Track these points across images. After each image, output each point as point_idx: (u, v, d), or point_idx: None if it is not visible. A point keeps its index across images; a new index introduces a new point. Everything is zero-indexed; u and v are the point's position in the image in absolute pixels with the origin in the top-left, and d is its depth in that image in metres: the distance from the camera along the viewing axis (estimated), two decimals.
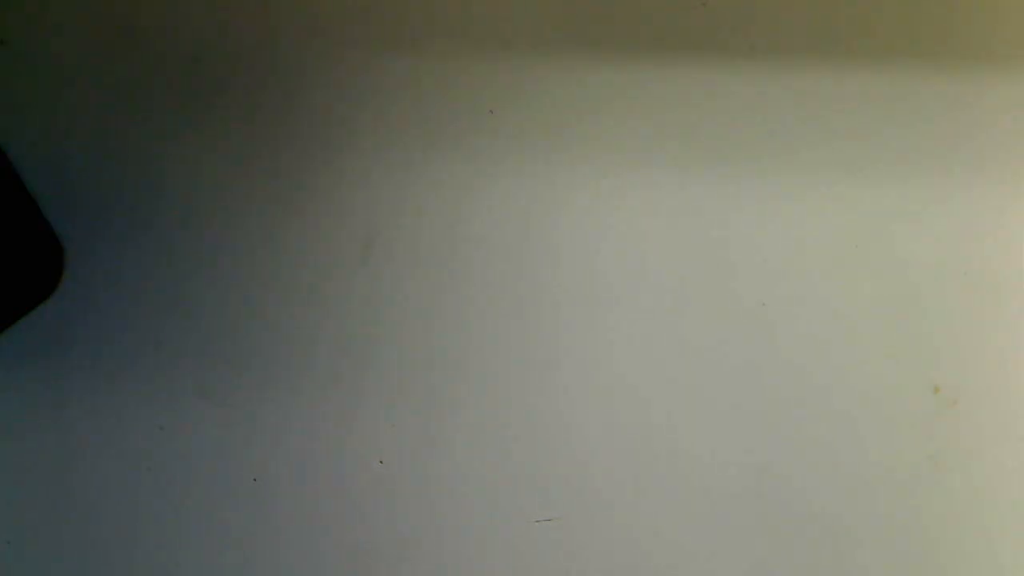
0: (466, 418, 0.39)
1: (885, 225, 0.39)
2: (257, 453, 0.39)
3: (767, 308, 0.39)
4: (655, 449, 0.39)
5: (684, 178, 0.40)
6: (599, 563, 0.39)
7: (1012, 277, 0.39)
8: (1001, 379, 0.39)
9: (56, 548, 0.39)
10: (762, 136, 0.40)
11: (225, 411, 0.39)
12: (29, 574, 0.39)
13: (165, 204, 0.40)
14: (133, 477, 0.39)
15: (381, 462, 0.39)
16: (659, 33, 0.40)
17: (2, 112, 0.40)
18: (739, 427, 0.39)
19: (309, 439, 0.39)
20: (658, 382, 0.39)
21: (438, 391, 0.39)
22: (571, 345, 0.39)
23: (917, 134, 0.39)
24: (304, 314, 0.39)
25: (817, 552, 0.39)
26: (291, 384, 0.39)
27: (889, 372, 0.39)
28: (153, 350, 0.40)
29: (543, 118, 0.40)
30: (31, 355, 0.40)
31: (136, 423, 0.39)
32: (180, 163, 0.40)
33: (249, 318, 0.39)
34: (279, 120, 0.40)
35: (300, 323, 0.39)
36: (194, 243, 0.40)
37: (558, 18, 0.40)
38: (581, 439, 0.39)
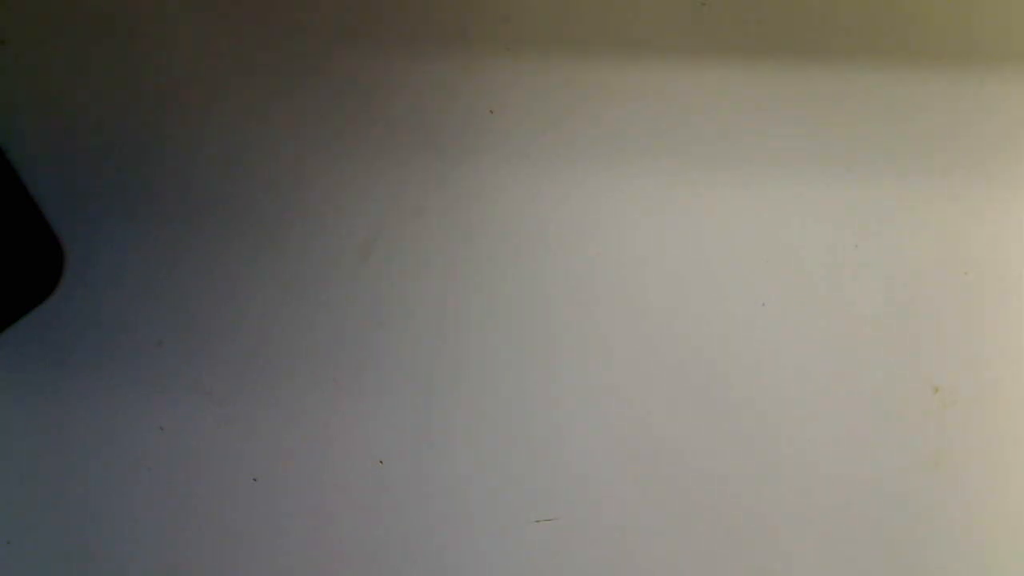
0: (466, 418, 0.39)
1: (885, 225, 0.39)
2: (257, 453, 0.39)
3: (767, 308, 0.39)
4: (654, 449, 0.39)
5: (684, 178, 0.40)
6: (599, 563, 0.39)
7: (1012, 277, 0.39)
8: (1001, 379, 0.39)
9: (56, 548, 0.39)
10: (762, 136, 0.40)
11: (225, 411, 0.39)
12: (29, 574, 0.39)
13: (165, 204, 0.40)
14: (133, 477, 0.39)
15: (381, 462, 0.39)
16: (659, 33, 0.40)
17: (2, 112, 0.40)
18: (739, 427, 0.39)
19: (309, 439, 0.39)
20: (658, 382, 0.39)
21: (438, 391, 0.39)
22: (571, 345, 0.39)
23: (917, 134, 0.39)
24: (304, 314, 0.39)
25: (816, 552, 0.39)
26: (291, 384, 0.39)
27: (889, 372, 0.39)
28: (153, 350, 0.40)
29: (543, 118, 0.40)
30: (31, 355, 0.40)
31: (136, 423, 0.39)
32: (180, 164, 0.40)
33: (249, 318, 0.39)
34: (279, 120, 0.40)
35: (300, 323, 0.39)
36: (194, 243, 0.40)
37: (558, 18, 0.40)
38: (581, 439, 0.39)
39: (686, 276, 0.39)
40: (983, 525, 0.39)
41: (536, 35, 0.40)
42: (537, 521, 0.39)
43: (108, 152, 0.40)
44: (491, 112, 0.40)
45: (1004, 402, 0.39)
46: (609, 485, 0.39)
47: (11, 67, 0.40)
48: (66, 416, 0.39)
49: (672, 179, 0.40)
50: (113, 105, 0.40)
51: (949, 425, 0.39)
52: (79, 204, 0.40)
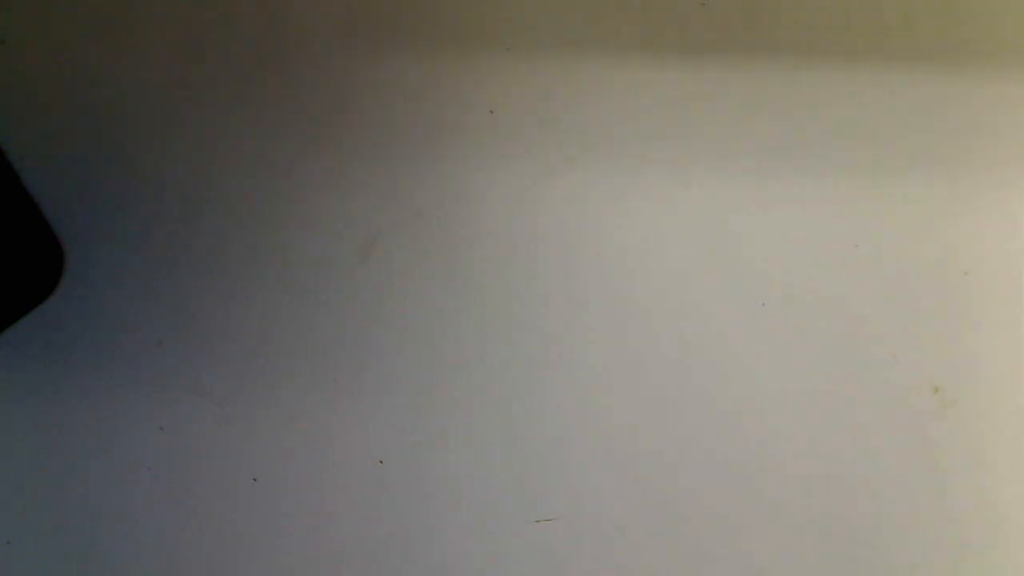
0: (465, 418, 0.39)
1: (885, 225, 0.39)
2: (257, 453, 0.39)
3: (767, 308, 0.39)
4: (654, 449, 0.39)
5: (684, 178, 0.40)
6: (599, 563, 0.39)
7: (1012, 277, 0.39)
8: (1001, 379, 0.39)
9: (56, 548, 0.39)
10: (762, 136, 0.40)
11: (225, 411, 0.39)
12: (29, 574, 0.39)
13: (165, 204, 0.40)
14: (133, 477, 0.39)
15: (381, 462, 0.39)
16: (659, 33, 0.40)
17: (2, 112, 0.40)
18: (739, 427, 0.39)
19: (309, 439, 0.39)
20: (658, 382, 0.39)
21: (438, 391, 0.39)
22: (571, 345, 0.39)
23: (917, 134, 0.39)
24: (304, 314, 0.39)
25: (817, 552, 0.39)
26: (291, 384, 0.39)
27: (889, 372, 0.39)
28: (153, 350, 0.40)
29: (543, 118, 0.40)
30: (31, 355, 0.40)
31: (136, 423, 0.39)
32: (180, 163, 0.40)
33: (249, 318, 0.39)
34: (279, 119, 0.40)
35: (300, 323, 0.39)
36: (194, 243, 0.40)
37: (558, 18, 0.40)
38: (581, 439, 0.39)
39: (686, 276, 0.39)
40: (983, 525, 0.39)
41: (536, 35, 0.40)
42: (537, 521, 0.39)
43: (108, 152, 0.40)
44: (491, 112, 0.40)
45: (1004, 402, 0.39)
46: (609, 485, 0.39)
47: (11, 67, 0.40)
48: (66, 416, 0.39)
49: (672, 179, 0.40)
50: (113, 105, 0.40)
51: (949, 425, 0.39)
52: (79, 204, 0.40)
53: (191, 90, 0.40)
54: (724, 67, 0.40)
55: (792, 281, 0.39)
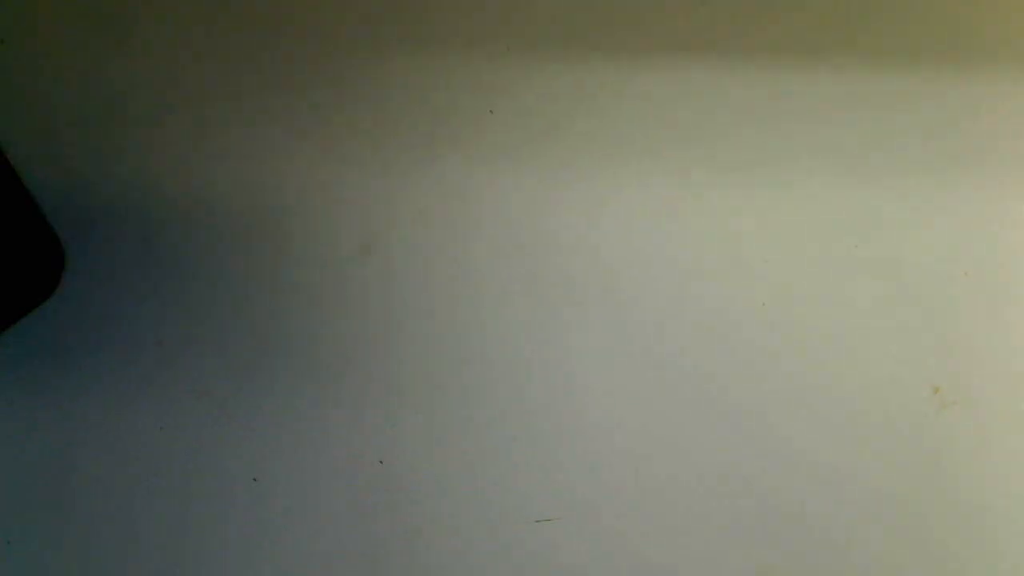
0: (466, 418, 0.39)
1: (885, 225, 0.39)
2: (257, 453, 0.39)
3: (767, 308, 0.39)
4: (655, 450, 0.39)
5: (684, 178, 0.40)
6: (599, 563, 0.39)
7: (1012, 277, 0.39)
8: (1001, 379, 0.39)
9: (56, 548, 0.39)
10: (762, 136, 0.40)
11: (225, 411, 0.39)
12: (29, 574, 0.39)
13: (165, 204, 0.40)
14: (133, 477, 0.39)
15: (381, 462, 0.39)
16: (659, 33, 0.40)
17: (2, 112, 0.40)
18: (739, 427, 0.39)
19: (309, 439, 0.39)
20: (658, 382, 0.39)
21: (438, 391, 0.39)
22: (570, 345, 0.39)
23: (917, 134, 0.39)
24: (304, 314, 0.39)
25: (817, 552, 0.39)
26: (291, 384, 0.39)
27: (889, 372, 0.39)
28: (153, 350, 0.40)
29: (543, 118, 0.40)
30: (31, 355, 0.40)
31: (136, 423, 0.39)
32: (180, 163, 0.40)
33: (249, 318, 0.39)
34: (279, 120, 0.40)
35: (300, 323, 0.39)
36: (194, 243, 0.40)
37: (557, 18, 0.40)
38: (581, 439, 0.39)
39: (686, 276, 0.39)
40: (983, 525, 0.39)
41: (536, 35, 0.40)
42: (537, 521, 0.39)
43: (108, 152, 0.40)
44: (491, 112, 0.40)
45: (1004, 402, 0.39)
46: (609, 485, 0.39)
47: (11, 67, 0.40)
48: (66, 416, 0.39)
49: (672, 179, 0.40)
50: (112, 105, 0.40)
51: (949, 425, 0.39)
52: (79, 204, 0.40)
53: (191, 91, 0.40)
54: (724, 67, 0.40)
55: (792, 281, 0.39)
